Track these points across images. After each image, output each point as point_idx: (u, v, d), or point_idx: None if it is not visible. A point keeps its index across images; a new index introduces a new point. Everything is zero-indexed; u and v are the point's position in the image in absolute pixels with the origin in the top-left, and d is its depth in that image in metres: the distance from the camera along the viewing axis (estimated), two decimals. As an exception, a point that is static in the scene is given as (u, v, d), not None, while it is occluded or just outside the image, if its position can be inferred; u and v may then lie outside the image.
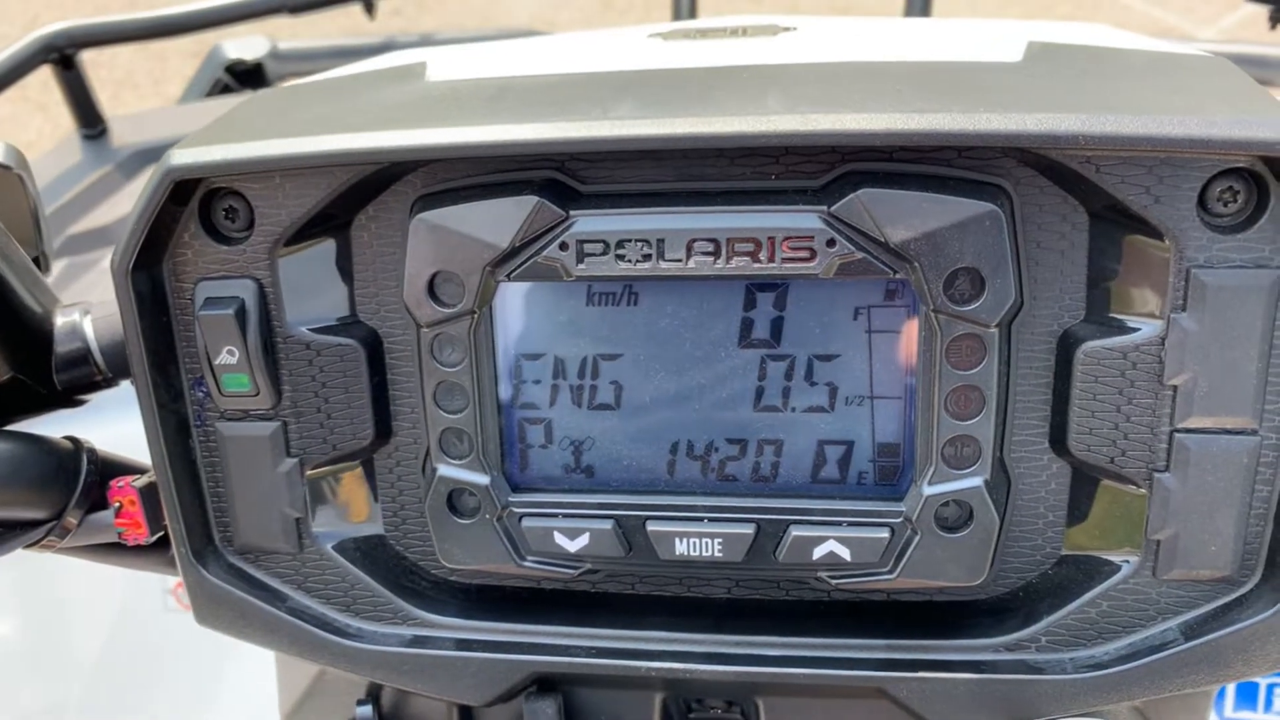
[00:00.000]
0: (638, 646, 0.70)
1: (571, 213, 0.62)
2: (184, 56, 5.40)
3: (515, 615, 0.72)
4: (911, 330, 0.63)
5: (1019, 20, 0.84)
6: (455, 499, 0.69)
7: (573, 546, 0.68)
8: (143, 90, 5.64)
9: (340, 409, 0.69)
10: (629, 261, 0.62)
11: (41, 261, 0.83)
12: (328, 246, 0.68)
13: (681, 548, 0.67)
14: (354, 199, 0.66)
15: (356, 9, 2.23)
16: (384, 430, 0.70)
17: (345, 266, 0.68)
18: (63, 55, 1.89)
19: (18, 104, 5.20)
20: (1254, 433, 0.61)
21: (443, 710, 0.82)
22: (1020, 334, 0.64)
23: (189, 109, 2.23)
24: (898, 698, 0.67)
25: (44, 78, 1.95)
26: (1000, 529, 0.65)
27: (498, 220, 0.62)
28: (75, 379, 0.74)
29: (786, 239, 0.60)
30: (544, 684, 0.73)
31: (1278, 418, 0.61)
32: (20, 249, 0.73)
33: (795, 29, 0.81)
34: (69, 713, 1.49)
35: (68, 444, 0.73)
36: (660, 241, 0.61)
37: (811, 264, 0.60)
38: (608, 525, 0.67)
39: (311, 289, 0.68)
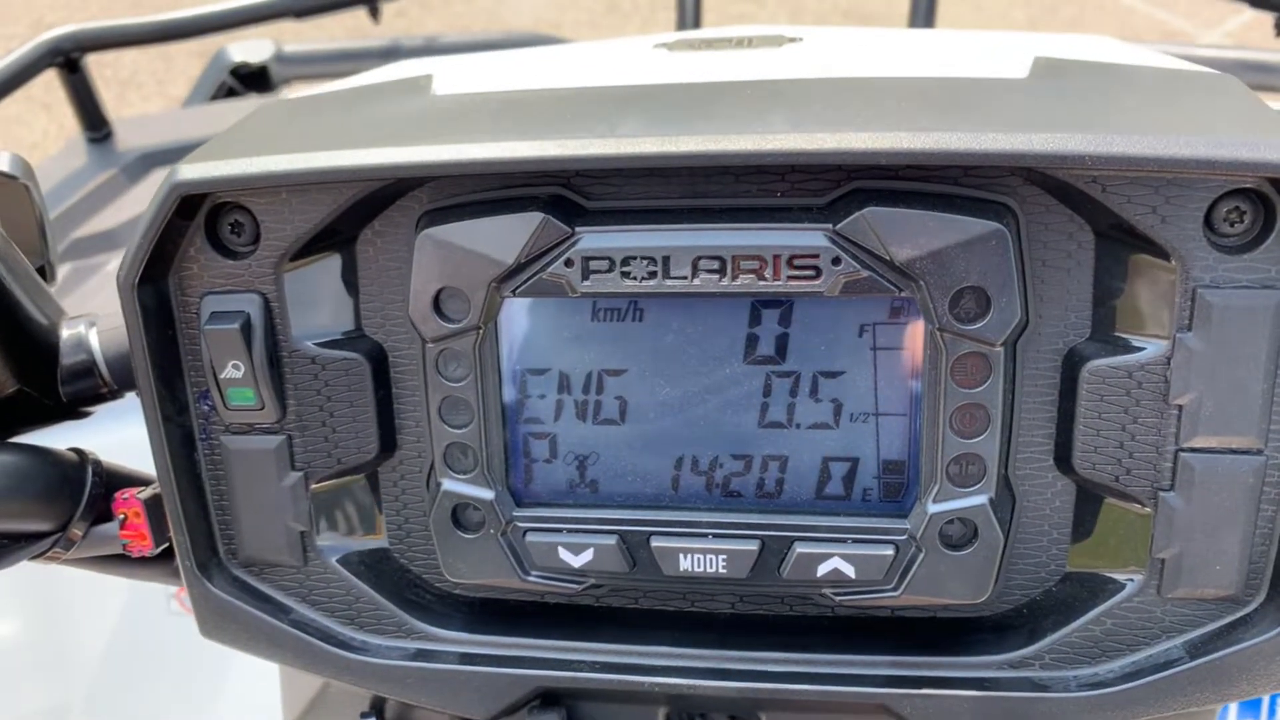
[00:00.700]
0: (641, 662, 0.70)
1: (577, 229, 0.62)
2: (189, 57, 5.40)
3: (519, 629, 0.72)
4: (917, 348, 0.63)
5: (1023, 32, 0.84)
6: (459, 513, 0.69)
7: (577, 562, 0.68)
8: (147, 90, 5.64)
9: (345, 423, 0.69)
10: (634, 279, 0.62)
11: (47, 270, 0.84)
12: (333, 261, 0.68)
13: (685, 564, 0.67)
14: (360, 214, 0.66)
15: (361, 12, 2.23)
16: (389, 444, 0.70)
17: (351, 281, 0.68)
18: (68, 59, 1.90)
19: (23, 104, 5.21)
20: (1259, 453, 0.61)
21: None
22: (1026, 352, 0.64)
23: (194, 112, 2.24)
24: (901, 714, 0.67)
25: (49, 78, 1.95)
26: (1005, 547, 0.65)
27: (503, 236, 0.62)
28: (81, 391, 0.74)
29: (792, 257, 0.60)
30: (548, 698, 0.73)
31: None
32: (25, 260, 0.74)
33: (801, 39, 0.81)
34: (72, 714, 1.49)
35: (73, 456, 0.73)
36: (665, 259, 0.61)
37: (817, 282, 0.60)
38: (612, 541, 0.67)
39: (317, 303, 0.68)
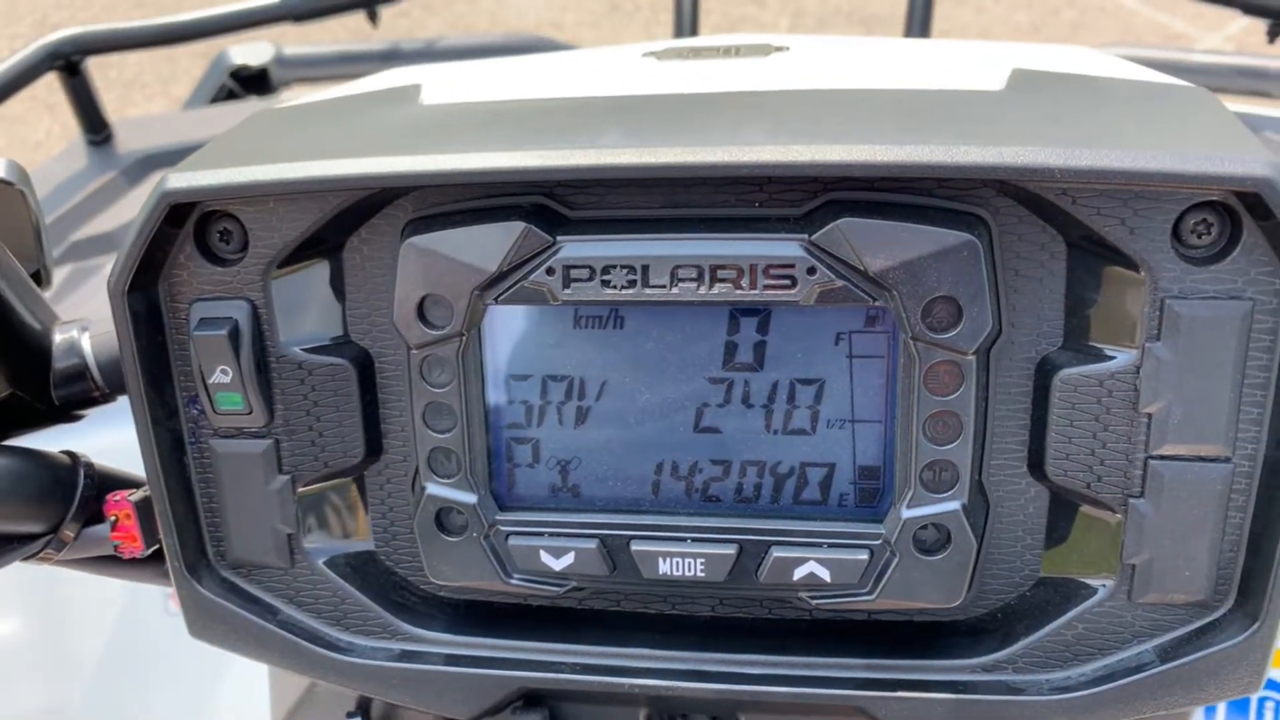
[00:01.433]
0: (622, 663, 0.71)
1: (558, 238, 0.63)
2: (193, 58, 5.42)
3: (503, 631, 0.73)
4: (891, 356, 0.64)
5: (1006, 42, 0.85)
6: (443, 517, 0.70)
7: (558, 565, 0.69)
8: (151, 91, 5.66)
9: (332, 427, 0.70)
10: (614, 287, 0.63)
11: (42, 275, 0.85)
12: (320, 268, 0.69)
13: (665, 567, 0.68)
14: (346, 222, 0.67)
15: (362, 14, 2.24)
16: (374, 448, 0.72)
17: (338, 288, 0.70)
18: (68, 62, 1.91)
19: (26, 104, 5.23)
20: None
21: None
22: (999, 361, 0.65)
23: (193, 115, 2.25)
24: (877, 716, 0.68)
25: (52, 79, 1.96)
26: (978, 552, 0.66)
27: (486, 245, 0.63)
28: (73, 395, 0.75)
29: (768, 266, 0.62)
30: (530, 699, 0.74)
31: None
32: (19, 266, 0.75)
33: (788, 49, 0.82)
34: (69, 714, 1.50)
35: (65, 459, 0.75)
36: (645, 268, 0.63)
37: (792, 291, 0.62)
38: (592, 545, 0.68)
39: (304, 310, 0.69)
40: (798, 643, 0.71)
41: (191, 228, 0.67)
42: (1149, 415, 0.62)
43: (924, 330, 0.61)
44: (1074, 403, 0.63)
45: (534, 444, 0.69)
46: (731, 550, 0.67)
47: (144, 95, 5.64)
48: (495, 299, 0.64)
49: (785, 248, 0.61)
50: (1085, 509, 0.66)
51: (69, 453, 0.75)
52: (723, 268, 0.62)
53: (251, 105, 2.24)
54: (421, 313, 0.65)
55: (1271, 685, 1.35)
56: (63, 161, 2.04)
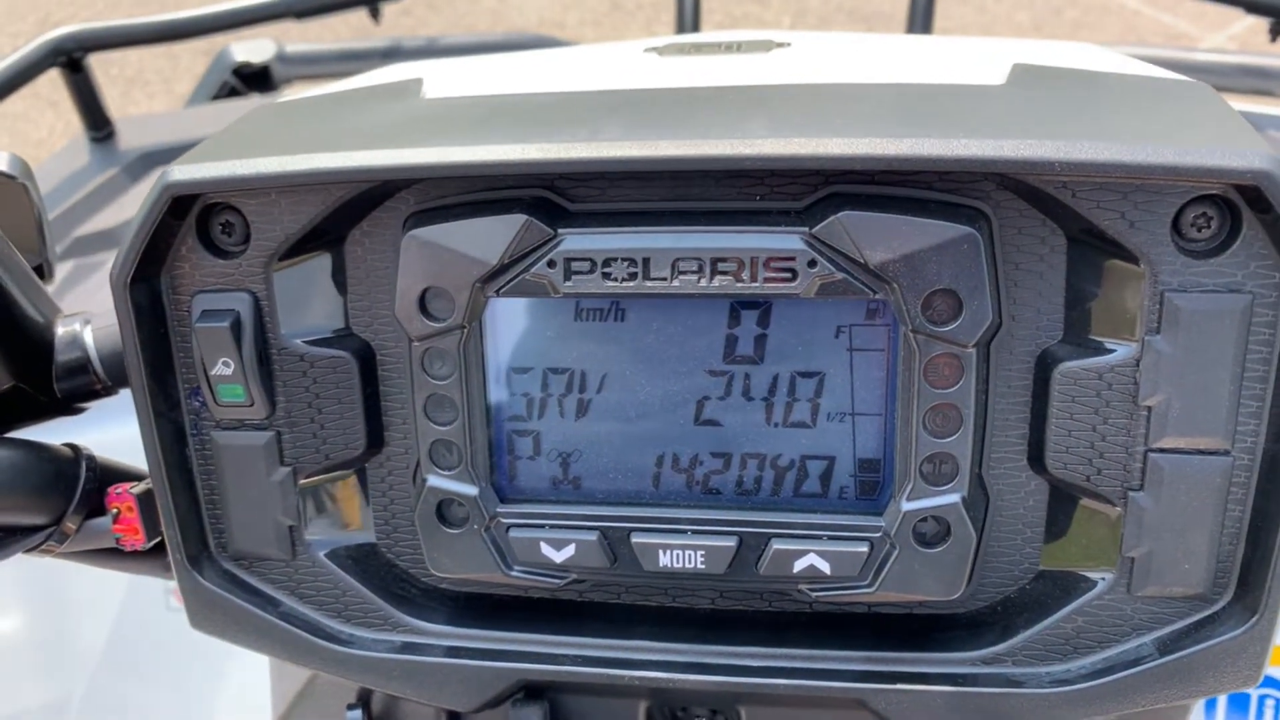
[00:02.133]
0: (623, 656, 0.71)
1: (559, 231, 0.63)
2: (195, 55, 5.42)
3: (503, 623, 0.73)
4: (891, 349, 0.64)
5: (1007, 39, 0.85)
6: (444, 509, 0.70)
7: (559, 557, 0.69)
8: (153, 88, 5.66)
9: (333, 419, 0.71)
10: (615, 280, 0.63)
11: (45, 269, 0.85)
12: (322, 261, 0.69)
13: (665, 560, 0.68)
14: (348, 215, 0.68)
15: (364, 12, 2.24)
16: (376, 440, 0.72)
17: (339, 280, 0.70)
18: (70, 58, 1.91)
19: (29, 101, 5.23)
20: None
21: (431, 715, 0.83)
22: (999, 354, 0.65)
23: (195, 112, 2.25)
24: (877, 709, 0.68)
25: (55, 75, 1.96)
26: (978, 545, 0.66)
27: (487, 238, 0.64)
28: (75, 388, 0.76)
29: (769, 259, 0.62)
30: (531, 691, 0.74)
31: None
32: (22, 259, 0.75)
33: (789, 44, 0.83)
34: (71, 708, 1.50)
35: (67, 451, 0.75)
36: (646, 261, 0.63)
37: (793, 284, 0.62)
38: (593, 537, 0.68)
39: (306, 302, 0.69)
40: (798, 635, 0.71)
41: (194, 220, 0.67)
42: (1149, 408, 0.62)
43: (924, 323, 0.62)
44: (1074, 396, 0.63)
45: (535, 436, 0.69)
46: (732, 542, 0.67)
47: (146, 92, 5.65)
48: (497, 291, 0.65)
49: (786, 240, 0.62)
50: (1085, 502, 0.66)
51: (71, 445, 0.76)
52: (723, 260, 0.62)
53: (253, 102, 2.24)
54: (423, 305, 0.66)
55: (1272, 683, 1.35)
56: (65, 158, 2.04)
